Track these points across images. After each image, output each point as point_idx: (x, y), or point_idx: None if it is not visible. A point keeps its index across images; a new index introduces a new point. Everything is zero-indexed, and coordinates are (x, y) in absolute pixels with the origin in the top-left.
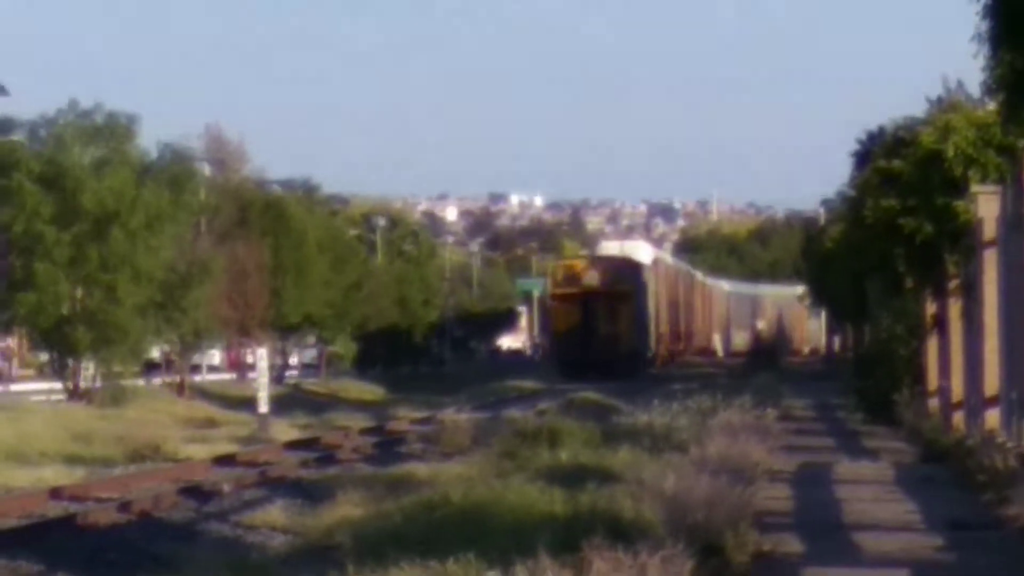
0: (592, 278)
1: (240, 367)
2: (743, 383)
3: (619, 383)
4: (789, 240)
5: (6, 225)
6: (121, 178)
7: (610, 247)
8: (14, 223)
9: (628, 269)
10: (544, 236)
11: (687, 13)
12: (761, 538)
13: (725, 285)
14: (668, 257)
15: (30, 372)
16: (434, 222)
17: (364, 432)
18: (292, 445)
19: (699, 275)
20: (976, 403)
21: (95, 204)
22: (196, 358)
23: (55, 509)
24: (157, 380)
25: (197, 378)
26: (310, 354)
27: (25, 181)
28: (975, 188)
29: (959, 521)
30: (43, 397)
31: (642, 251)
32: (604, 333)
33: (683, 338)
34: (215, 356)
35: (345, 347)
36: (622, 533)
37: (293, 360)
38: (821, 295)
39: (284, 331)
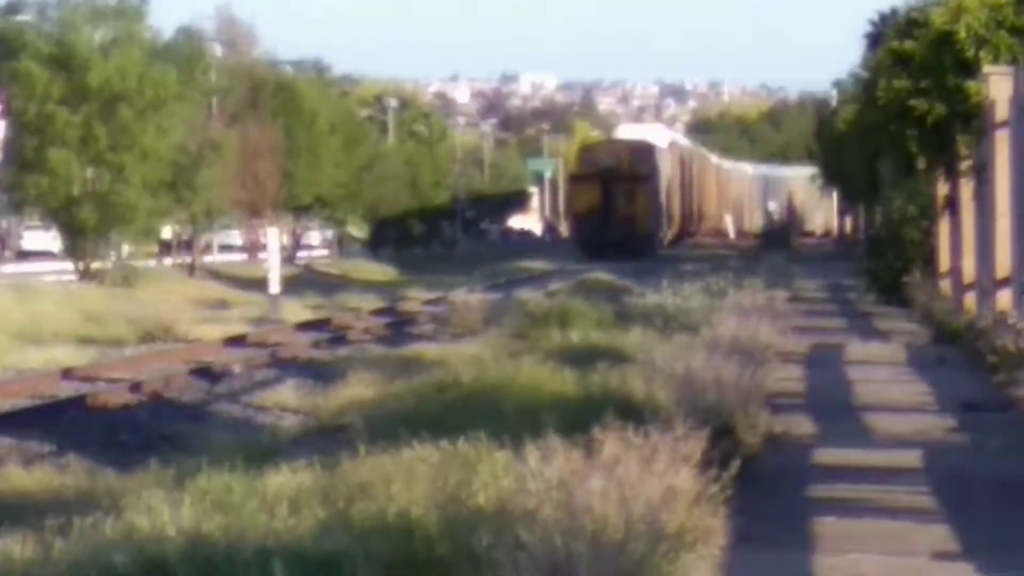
0: (611, 160)
1: (258, 247)
2: (754, 264)
3: (631, 263)
4: (801, 122)
5: (17, 108)
6: (129, 58)
7: (628, 130)
8: (25, 105)
9: (646, 152)
10: (556, 117)
11: None
12: (773, 419)
13: (737, 166)
14: (683, 140)
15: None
16: (445, 103)
17: (375, 313)
18: (303, 326)
19: (712, 157)
20: (988, 284)
21: (102, 83)
22: (215, 238)
23: (66, 390)
24: (168, 261)
25: (209, 259)
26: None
27: (34, 64)
28: (987, 69)
29: (971, 402)
30: (54, 277)
31: (659, 134)
32: (623, 213)
33: (695, 219)
34: (234, 236)
35: (357, 227)
36: (633, 414)
37: (315, 237)
38: (833, 177)
39: (296, 211)
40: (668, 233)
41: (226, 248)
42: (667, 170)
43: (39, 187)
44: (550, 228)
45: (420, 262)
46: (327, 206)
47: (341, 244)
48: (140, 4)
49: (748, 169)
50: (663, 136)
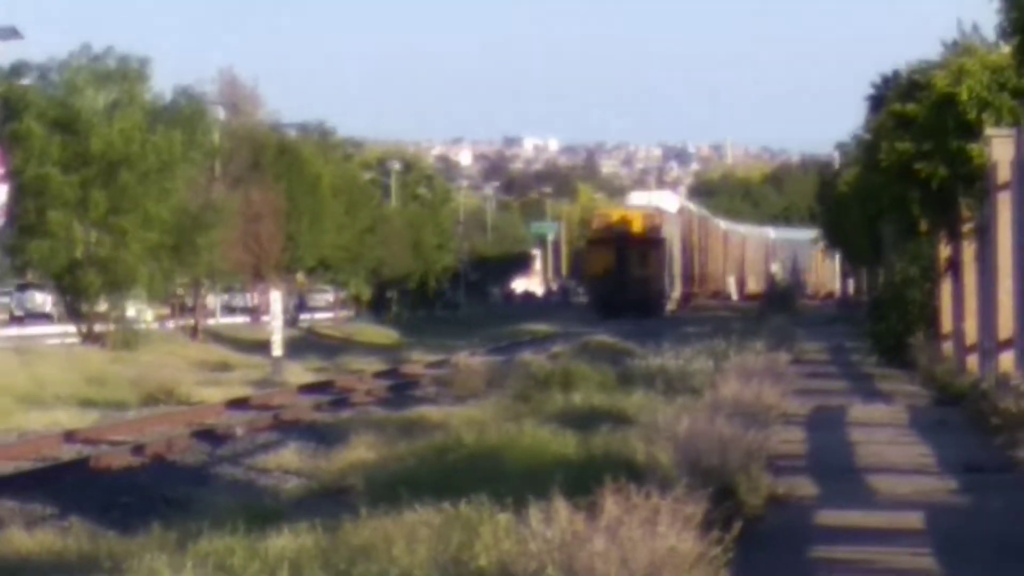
0: (625, 227)
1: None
2: (757, 326)
3: (633, 325)
4: (803, 184)
5: (17, 170)
6: (132, 121)
7: (639, 197)
8: (25, 167)
9: (657, 219)
10: (558, 180)
11: None
12: (775, 481)
13: (740, 229)
14: (691, 205)
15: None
16: (448, 166)
17: (378, 375)
18: (306, 388)
19: (717, 220)
20: (990, 346)
21: (104, 147)
22: (218, 300)
23: (68, 452)
24: (170, 323)
25: (211, 321)
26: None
27: (34, 124)
28: (989, 131)
29: (973, 464)
30: (57, 340)
31: (669, 201)
32: (636, 276)
33: (699, 281)
34: (236, 298)
35: (360, 290)
36: (635, 476)
37: (328, 296)
38: (835, 239)
39: (292, 273)
40: (675, 294)
41: (229, 310)
42: (676, 235)
43: (40, 250)
44: (563, 290)
45: (423, 324)
46: (330, 269)
47: (358, 305)
48: (142, 67)
49: (751, 232)
50: (673, 202)
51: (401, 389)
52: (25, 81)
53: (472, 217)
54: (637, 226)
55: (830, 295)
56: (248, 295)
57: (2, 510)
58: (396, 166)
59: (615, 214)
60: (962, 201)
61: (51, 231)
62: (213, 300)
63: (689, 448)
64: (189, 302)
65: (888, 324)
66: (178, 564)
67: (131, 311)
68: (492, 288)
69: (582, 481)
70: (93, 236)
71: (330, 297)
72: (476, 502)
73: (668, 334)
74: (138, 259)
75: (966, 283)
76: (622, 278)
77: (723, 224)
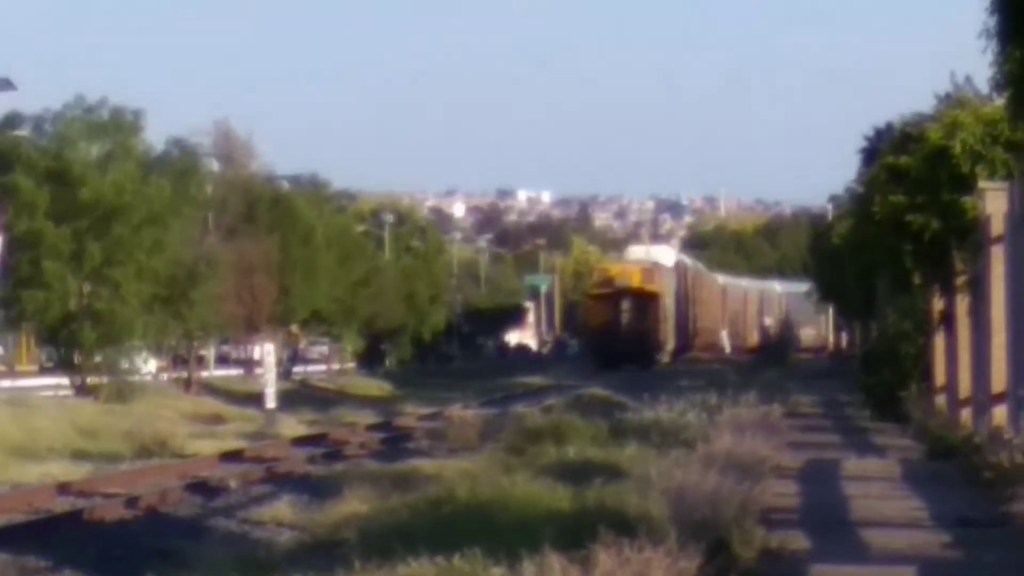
0: (624, 281)
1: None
2: (750, 379)
3: (627, 378)
4: (797, 236)
5: (9, 222)
6: (124, 172)
7: (637, 251)
8: (17, 220)
9: (655, 272)
10: (552, 232)
11: (692, 7)
12: (768, 534)
13: (733, 282)
14: (687, 259)
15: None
16: (442, 218)
17: (371, 428)
18: (299, 441)
19: (711, 274)
20: (983, 399)
21: (96, 198)
22: (211, 352)
23: (62, 504)
24: (164, 376)
25: (205, 373)
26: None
27: (22, 177)
28: (983, 184)
29: (966, 518)
30: (50, 392)
31: (665, 255)
32: (635, 328)
33: (693, 334)
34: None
35: (352, 343)
36: (628, 529)
37: (324, 348)
38: (828, 292)
39: (286, 327)
40: (669, 347)
41: (226, 362)
42: (674, 288)
43: (35, 302)
44: (558, 343)
45: (416, 377)
46: (324, 321)
47: (364, 360)
48: (136, 118)
49: (743, 284)
50: (669, 256)
51: (395, 441)
52: (20, 132)
53: (465, 269)
54: (635, 280)
55: (823, 348)
56: (244, 347)
57: None
58: (389, 218)
59: (614, 268)
60: (955, 254)
61: (46, 283)
62: (211, 352)
63: (682, 501)
64: (187, 354)
65: (881, 377)
66: None
67: (137, 363)
68: (486, 340)
69: (575, 534)
70: (87, 289)
71: (325, 349)
72: (470, 555)
73: (662, 387)
74: (134, 311)
75: (959, 336)
76: (620, 330)
77: (717, 277)
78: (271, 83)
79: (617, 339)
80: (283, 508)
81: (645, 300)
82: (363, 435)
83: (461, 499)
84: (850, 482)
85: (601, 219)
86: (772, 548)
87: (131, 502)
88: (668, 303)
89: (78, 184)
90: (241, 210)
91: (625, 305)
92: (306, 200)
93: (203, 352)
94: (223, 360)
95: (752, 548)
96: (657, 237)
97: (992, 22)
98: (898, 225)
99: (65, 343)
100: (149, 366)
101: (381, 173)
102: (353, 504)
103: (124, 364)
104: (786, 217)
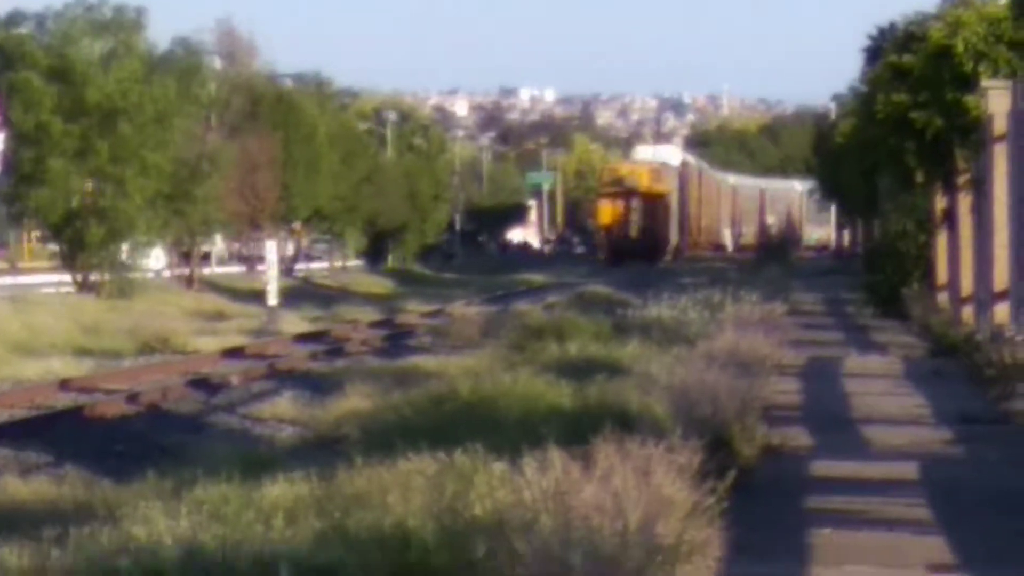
0: (634, 180)
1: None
2: (752, 277)
3: (630, 275)
4: (799, 135)
5: (15, 120)
6: (128, 71)
7: (645, 151)
8: (23, 117)
9: (663, 172)
10: (554, 131)
11: None
12: (769, 432)
13: (735, 180)
14: (692, 159)
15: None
16: (445, 116)
17: (373, 325)
18: (301, 338)
19: (713, 172)
20: (985, 297)
21: (101, 97)
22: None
23: (64, 400)
24: (166, 272)
25: (207, 270)
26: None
27: (32, 75)
28: (985, 83)
29: (968, 415)
30: (52, 289)
31: (672, 155)
32: (643, 226)
33: (696, 232)
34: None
35: (355, 241)
36: (630, 425)
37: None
38: (831, 191)
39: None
40: (674, 243)
41: (234, 260)
42: (680, 187)
43: (39, 199)
44: (562, 241)
45: (418, 274)
46: (325, 219)
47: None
48: (138, 16)
49: (745, 183)
50: (676, 156)
51: (396, 339)
52: (21, 30)
53: (468, 168)
54: (645, 181)
55: (825, 247)
56: (251, 244)
57: None
58: (392, 116)
59: (624, 168)
60: (958, 153)
61: (50, 180)
62: (214, 249)
63: (683, 398)
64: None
65: (883, 275)
66: (173, 512)
67: (146, 259)
68: (488, 239)
69: (577, 430)
70: (90, 186)
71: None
72: (471, 451)
73: (664, 285)
74: (137, 208)
75: (962, 235)
76: (630, 228)
77: (720, 176)
78: None
79: (627, 237)
80: (284, 404)
81: (654, 200)
82: (365, 332)
83: (463, 396)
84: (852, 379)
85: (604, 118)
86: (773, 445)
87: (132, 398)
88: (674, 202)
89: (81, 83)
90: (244, 109)
91: (635, 204)
92: (309, 99)
93: (206, 249)
94: (238, 257)
95: (753, 445)
96: (660, 136)
97: None
98: (901, 124)
99: (69, 240)
100: (160, 263)
101: (384, 72)
102: (354, 401)
103: (128, 261)
104: (789, 116)
